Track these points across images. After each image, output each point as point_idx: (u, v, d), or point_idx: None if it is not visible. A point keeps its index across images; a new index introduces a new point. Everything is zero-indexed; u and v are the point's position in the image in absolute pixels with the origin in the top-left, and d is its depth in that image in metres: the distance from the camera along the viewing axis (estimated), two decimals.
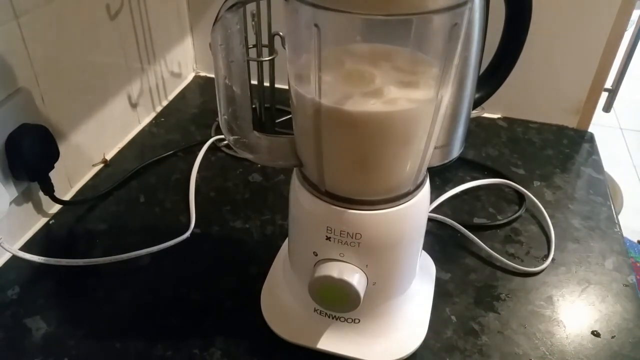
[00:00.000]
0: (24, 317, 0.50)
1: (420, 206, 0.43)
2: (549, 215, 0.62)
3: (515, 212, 0.63)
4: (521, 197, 0.66)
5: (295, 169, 0.44)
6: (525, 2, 0.58)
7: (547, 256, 0.58)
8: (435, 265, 0.55)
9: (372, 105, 0.36)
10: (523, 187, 0.66)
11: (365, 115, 0.36)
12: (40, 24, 0.55)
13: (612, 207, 0.65)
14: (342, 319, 0.46)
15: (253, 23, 0.66)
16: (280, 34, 0.66)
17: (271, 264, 0.54)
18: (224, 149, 0.73)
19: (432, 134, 0.39)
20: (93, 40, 0.65)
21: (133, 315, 0.51)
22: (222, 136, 0.74)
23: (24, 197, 0.58)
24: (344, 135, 0.38)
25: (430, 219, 0.60)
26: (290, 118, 0.43)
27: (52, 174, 0.58)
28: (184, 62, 0.90)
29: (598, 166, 0.73)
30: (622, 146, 2.25)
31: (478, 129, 0.79)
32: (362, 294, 0.41)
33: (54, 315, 0.50)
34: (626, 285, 0.55)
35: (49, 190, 0.58)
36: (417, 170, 0.41)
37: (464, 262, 0.57)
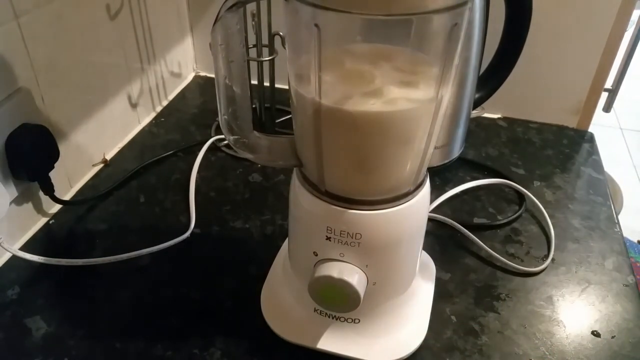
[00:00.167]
0: (24, 317, 0.50)
1: (420, 206, 0.43)
2: (549, 215, 0.62)
3: (515, 212, 0.63)
4: (521, 197, 0.66)
5: (295, 169, 0.44)
6: (525, 2, 0.58)
7: (547, 256, 0.58)
8: (435, 265, 0.55)
9: (372, 105, 0.36)
10: (523, 187, 0.66)
11: (365, 115, 0.36)
12: (40, 24, 0.55)
13: (612, 207, 0.65)
14: (342, 319, 0.46)
15: (253, 23, 0.66)
16: (280, 34, 0.66)
17: (271, 264, 0.54)
18: (224, 149, 0.73)
19: (432, 134, 0.39)
20: (93, 40, 0.65)
21: (133, 315, 0.51)
22: (222, 136, 0.74)
23: (24, 197, 0.58)
24: (344, 135, 0.38)
25: (430, 219, 0.60)
26: (290, 118, 0.43)
27: (52, 174, 0.58)
28: (184, 62, 0.90)
29: (598, 166, 0.73)
30: (622, 146, 2.25)
31: (478, 129, 0.79)
32: (362, 294, 0.41)
33: (54, 315, 0.50)
34: (626, 285, 0.55)
35: (49, 190, 0.58)
36: (417, 170, 0.41)
37: (464, 262, 0.57)
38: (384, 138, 0.38)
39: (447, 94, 0.38)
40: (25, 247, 0.57)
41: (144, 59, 0.76)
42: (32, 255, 0.54)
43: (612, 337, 0.49)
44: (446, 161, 0.69)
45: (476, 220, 0.63)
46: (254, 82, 0.73)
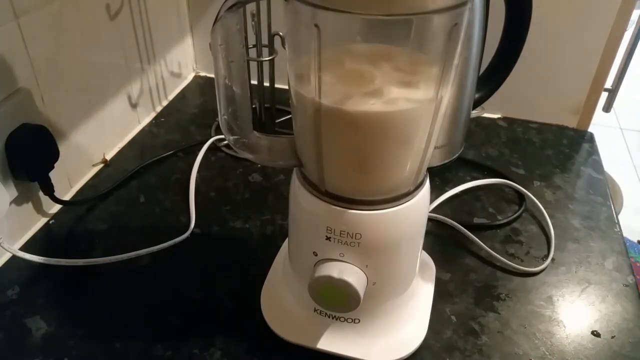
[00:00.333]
0: (24, 317, 0.50)
1: (420, 206, 0.43)
2: (549, 215, 0.62)
3: (515, 212, 0.63)
4: (521, 197, 0.66)
5: (295, 169, 0.44)
6: (525, 2, 0.58)
7: (547, 256, 0.58)
8: (435, 265, 0.55)
9: (372, 105, 0.36)
10: (523, 187, 0.66)
11: (365, 115, 0.36)
12: (40, 24, 0.55)
13: (612, 207, 0.65)
14: (342, 319, 0.46)
15: (253, 23, 0.66)
16: (280, 34, 0.66)
17: (271, 264, 0.54)
18: (224, 149, 0.73)
19: (432, 134, 0.39)
20: (93, 40, 0.65)
21: (133, 315, 0.51)
22: (222, 136, 0.74)
23: (24, 197, 0.57)
24: (344, 135, 0.38)
25: (430, 219, 0.60)
26: (290, 118, 0.43)
27: (52, 174, 0.58)
28: (184, 62, 0.90)
29: (598, 166, 0.73)
30: (622, 146, 2.25)
31: (478, 129, 0.79)
32: (362, 294, 0.41)
33: (54, 315, 0.50)
34: (626, 285, 0.55)
35: (49, 190, 0.58)
36: (417, 171, 0.41)
37: (464, 262, 0.57)
38: (384, 138, 0.38)
39: (447, 94, 0.38)
40: (25, 247, 0.57)
41: (143, 59, 0.76)
42: (32, 255, 0.54)
43: (612, 337, 0.49)
44: (446, 161, 0.69)
45: (476, 220, 0.63)
46: (254, 82, 0.73)
